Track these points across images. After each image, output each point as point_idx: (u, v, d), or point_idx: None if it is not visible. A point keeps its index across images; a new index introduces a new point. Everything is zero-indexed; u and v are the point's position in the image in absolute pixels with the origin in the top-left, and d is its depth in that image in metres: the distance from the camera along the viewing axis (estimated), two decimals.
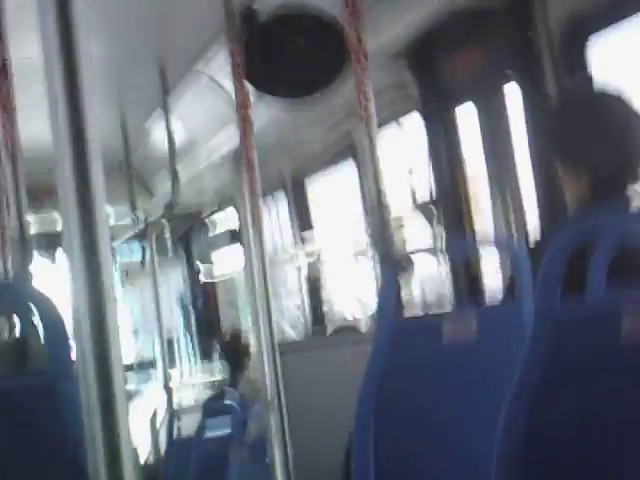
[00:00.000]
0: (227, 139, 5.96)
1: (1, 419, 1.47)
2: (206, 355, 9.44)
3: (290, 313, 7.25)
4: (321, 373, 4.35)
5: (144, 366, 9.88)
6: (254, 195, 4.31)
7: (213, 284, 9.62)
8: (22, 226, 3.41)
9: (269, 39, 4.22)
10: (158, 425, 7.81)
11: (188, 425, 6.21)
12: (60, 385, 1.48)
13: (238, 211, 6.54)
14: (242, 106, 4.22)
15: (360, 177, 5.73)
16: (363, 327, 6.06)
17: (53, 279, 8.13)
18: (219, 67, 5.36)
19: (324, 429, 4.05)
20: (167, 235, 8.46)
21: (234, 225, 8.00)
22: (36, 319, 1.56)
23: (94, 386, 1.18)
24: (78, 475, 1.42)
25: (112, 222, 9.31)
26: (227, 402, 5.58)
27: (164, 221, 8.00)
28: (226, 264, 8.58)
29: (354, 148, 5.57)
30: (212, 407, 5.68)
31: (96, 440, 1.19)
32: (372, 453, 2.40)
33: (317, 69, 4.24)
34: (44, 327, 1.47)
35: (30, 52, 4.82)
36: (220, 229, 8.76)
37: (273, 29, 4.19)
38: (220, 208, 8.41)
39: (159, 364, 9.88)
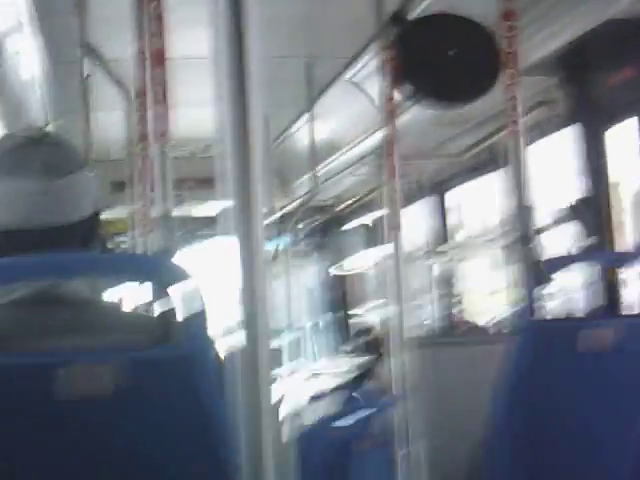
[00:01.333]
0: (370, 144, 6.12)
1: (140, 388, 1.56)
2: (336, 346, 9.59)
3: (421, 311, 7.38)
4: (452, 370, 4.44)
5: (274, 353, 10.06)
6: (394, 198, 4.46)
7: (344, 277, 9.78)
8: (167, 209, 3.58)
9: (420, 45, 4.31)
10: (283, 411, 7.97)
11: (317, 413, 6.33)
12: (197, 358, 1.58)
13: (377, 211, 6.71)
14: (389, 114, 4.38)
15: (505, 186, 5.80)
16: (492, 329, 6.15)
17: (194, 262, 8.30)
18: (367, 74, 5.49)
19: (453, 425, 4.14)
20: (300, 227, 8.65)
21: (368, 221, 8.15)
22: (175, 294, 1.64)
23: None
24: (209, 443, 1.59)
25: None
26: (356, 393, 5.67)
27: (299, 214, 8.19)
28: (359, 259, 8.73)
29: (498, 159, 5.61)
30: (341, 397, 5.74)
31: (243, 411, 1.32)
32: (510, 453, 2.44)
33: (467, 78, 4.31)
34: (185, 302, 1.56)
35: (188, 50, 5.08)
36: (354, 225, 8.91)
37: (424, 35, 4.27)
38: (358, 210, 8.56)
39: (288, 353, 10.11)
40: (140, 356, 1.61)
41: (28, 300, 1.68)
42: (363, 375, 6.48)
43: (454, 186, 6.92)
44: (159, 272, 1.62)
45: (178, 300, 1.59)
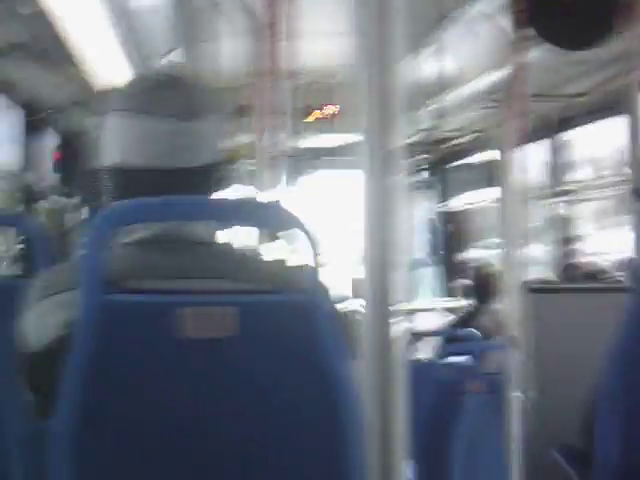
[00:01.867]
0: (497, 80, 6.02)
1: (264, 332, 1.58)
2: (450, 282, 9.59)
3: (539, 253, 7.30)
4: (569, 316, 4.40)
5: None
6: (518, 135, 4.40)
7: (457, 215, 9.73)
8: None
9: None
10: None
11: (426, 349, 6.35)
12: (318, 303, 1.58)
13: (499, 148, 6.62)
14: (519, 50, 4.30)
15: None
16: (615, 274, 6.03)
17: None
18: (499, 7, 5.39)
19: (565, 373, 4.11)
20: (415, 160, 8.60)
21: (487, 158, 8.06)
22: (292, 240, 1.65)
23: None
24: (329, 385, 1.59)
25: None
26: (468, 331, 5.66)
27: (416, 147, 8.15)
28: (472, 197, 8.66)
29: (620, 104, 5.50)
30: (453, 334, 5.74)
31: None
32: (616, 414, 2.35)
33: (599, 22, 4.22)
34: (305, 245, 1.56)
35: None
36: (473, 161, 8.83)
37: None
38: (481, 146, 8.47)
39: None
40: (264, 300, 1.62)
41: (152, 241, 1.70)
42: (471, 314, 6.46)
43: (574, 127, 6.77)
44: (278, 219, 1.62)
45: (297, 247, 1.60)
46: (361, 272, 1.52)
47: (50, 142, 6.43)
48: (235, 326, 1.55)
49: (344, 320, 1.72)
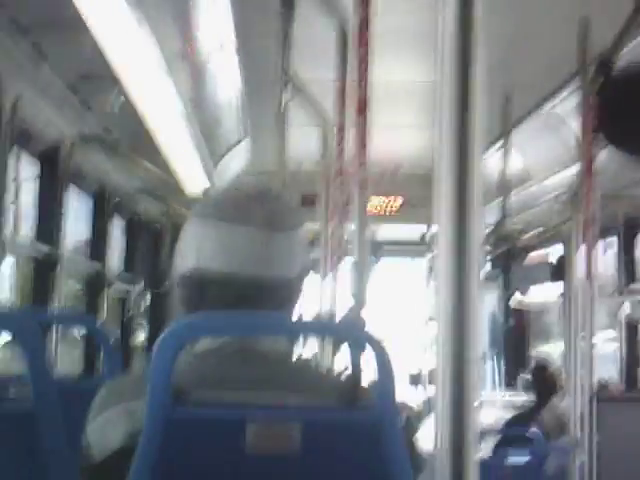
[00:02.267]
0: (564, 179, 6.01)
1: (328, 450, 1.54)
2: (510, 378, 9.46)
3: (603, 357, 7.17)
4: (634, 426, 4.31)
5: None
6: (588, 235, 4.36)
7: (525, 312, 9.64)
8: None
9: (626, 93, 4.21)
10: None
11: (486, 446, 6.25)
12: (386, 422, 1.54)
13: (566, 247, 6.57)
14: (587, 148, 4.29)
15: None
16: None
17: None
18: (568, 109, 5.41)
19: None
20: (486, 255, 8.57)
21: (553, 259, 7.99)
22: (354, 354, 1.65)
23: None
24: None
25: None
26: (530, 431, 5.57)
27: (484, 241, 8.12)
28: (540, 295, 8.58)
29: None
30: (514, 433, 5.64)
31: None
32: None
33: None
34: (377, 364, 1.53)
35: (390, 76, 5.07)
36: (538, 260, 8.76)
37: (631, 84, 4.18)
38: (545, 243, 8.43)
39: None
40: (330, 417, 1.59)
41: (222, 351, 1.68)
42: (532, 410, 6.36)
43: None
44: (353, 337, 1.60)
45: (368, 364, 1.58)
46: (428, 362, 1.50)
47: (117, 230, 6.50)
48: (298, 443, 1.52)
49: (411, 436, 1.70)
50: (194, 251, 1.72)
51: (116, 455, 1.60)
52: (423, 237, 9.75)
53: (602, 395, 4.18)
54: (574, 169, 4.89)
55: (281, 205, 1.77)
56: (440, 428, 1.32)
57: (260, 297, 1.69)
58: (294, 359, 1.74)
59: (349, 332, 1.62)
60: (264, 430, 1.53)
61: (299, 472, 1.55)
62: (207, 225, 1.72)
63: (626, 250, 6.94)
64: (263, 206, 1.73)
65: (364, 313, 2.88)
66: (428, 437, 7.59)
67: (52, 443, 1.61)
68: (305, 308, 1.81)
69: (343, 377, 1.73)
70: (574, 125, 4.80)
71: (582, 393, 4.22)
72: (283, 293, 1.72)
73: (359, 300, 3.13)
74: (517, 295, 10.37)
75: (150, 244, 7.30)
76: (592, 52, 4.21)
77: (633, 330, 6.82)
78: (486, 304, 10.23)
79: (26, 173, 4.36)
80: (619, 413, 4.31)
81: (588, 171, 4.30)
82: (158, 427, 1.52)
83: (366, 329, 1.59)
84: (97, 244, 5.79)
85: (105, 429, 1.64)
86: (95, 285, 5.77)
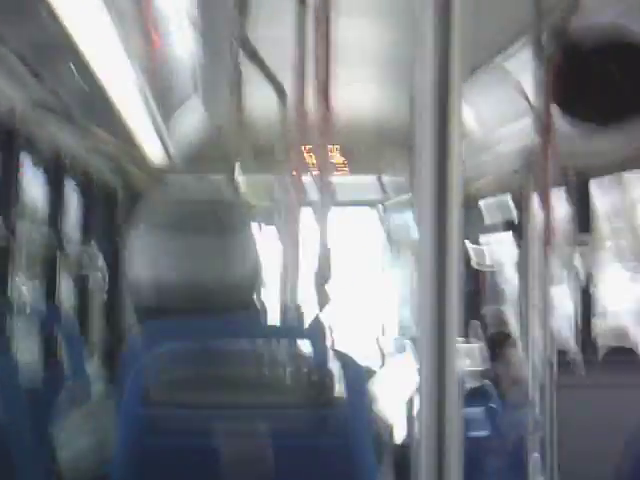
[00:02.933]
0: (519, 134, 6.02)
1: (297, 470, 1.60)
2: (465, 337, 9.52)
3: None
4: (592, 393, 4.34)
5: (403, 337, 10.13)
6: (544, 190, 4.36)
7: (481, 272, 9.65)
8: None
9: (579, 60, 4.19)
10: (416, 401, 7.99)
11: None
12: (357, 448, 1.57)
13: (518, 204, 6.59)
14: (545, 113, 4.29)
15: None
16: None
17: None
18: (520, 65, 5.40)
19: (590, 449, 4.05)
20: None
21: (508, 214, 8.01)
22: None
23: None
24: None
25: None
26: (485, 395, 5.57)
27: None
28: (495, 251, 8.63)
29: None
30: (470, 400, 5.57)
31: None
32: None
33: (629, 101, 4.20)
34: (346, 379, 1.58)
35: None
36: (492, 215, 8.79)
37: (587, 51, 4.17)
38: (497, 192, 8.46)
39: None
40: (302, 443, 1.60)
41: (189, 353, 1.69)
42: (490, 373, 6.36)
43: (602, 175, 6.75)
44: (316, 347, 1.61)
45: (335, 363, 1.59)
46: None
47: (70, 196, 6.44)
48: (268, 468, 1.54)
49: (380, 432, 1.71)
50: (148, 261, 1.73)
51: (81, 462, 1.60)
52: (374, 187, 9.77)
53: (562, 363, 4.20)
54: (526, 122, 4.86)
55: (229, 208, 1.78)
56: (422, 372, 1.25)
57: (220, 301, 1.71)
58: (264, 357, 1.75)
59: (312, 338, 1.62)
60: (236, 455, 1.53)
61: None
62: (160, 235, 1.72)
63: (579, 201, 6.98)
64: (210, 212, 1.74)
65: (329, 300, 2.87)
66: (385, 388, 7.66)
67: (21, 459, 1.61)
68: (267, 268, 1.82)
69: (311, 376, 1.74)
70: (526, 80, 4.78)
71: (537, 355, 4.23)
72: (243, 294, 1.75)
73: (324, 268, 3.11)
74: (468, 245, 10.39)
75: (104, 206, 7.26)
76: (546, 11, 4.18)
77: (587, 281, 6.87)
78: None
79: None
80: (574, 375, 4.36)
81: (545, 130, 4.28)
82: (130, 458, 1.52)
83: (328, 336, 1.60)
84: (51, 212, 5.74)
85: (72, 434, 1.64)
86: (50, 253, 5.72)
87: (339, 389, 1.63)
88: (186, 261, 1.70)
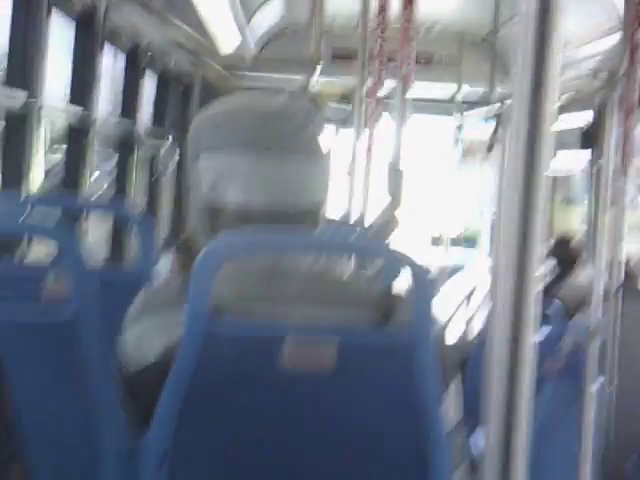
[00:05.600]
0: (603, 48, 5.88)
1: (361, 368, 1.55)
2: None
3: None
4: None
5: (471, 241, 10.09)
6: (627, 109, 4.26)
7: (551, 178, 9.55)
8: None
9: None
10: (475, 303, 7.99)
11: None
12: (420, 345, 1.54)
13: (599, 121, 6.46)
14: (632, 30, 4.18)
15: None
16: None
17: None
18: None
19: None
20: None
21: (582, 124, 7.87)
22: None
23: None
24: (421, 426, 1.57)
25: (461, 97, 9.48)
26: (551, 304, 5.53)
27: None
28: (569, 160, 8.50)
29: None
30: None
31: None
32: None
33: None
34: (415, 284, 1.52)
35: None
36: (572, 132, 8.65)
37: None
38: (577, 108, 8.30)
39: (485, 241, 10.05)
40: (366, 336, 1.61)
41: (261, 268, 1.67)
42: (553, 285, 6.29)
43: None
44: (387, 258, 1.59)
45: (406, 278, 1.57)
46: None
47: (149, 86, 6.44)
48: (333, 360, 1.54)
49: (444, 353, 1.70)
50: (214, 181, 1.68)
51: (152, 368, 1.62)
52: (453, 97, 9.62)
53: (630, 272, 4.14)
54: (614, 39, 4.73)
55: (305, 126, 1.70)
56: (500, 317, 1.25)
57: (292, 219, 1.68)
58: (333, 274, 1.74)
59: (383, 252, 1.60)
60: (300, 346, 1.54)
61: (332, 388, 1.57)
62: (227, 153, 1.67)
63: None
64: (285, 129, 1.67)
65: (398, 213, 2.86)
66: (446, 302, 7.65)
67: (91, 353, 1.63)
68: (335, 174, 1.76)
69: (382, 292, 1.72)
70: None
71: (608, 268, 4.18)
72: (309, 221, 1.71)
73: (395, 199, 3.07)
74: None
75: (181, 99, 7.25)
76: None
77: None
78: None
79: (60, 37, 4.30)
80: None
81: (632, 44, 4.16)
82: (196, 342, 1.53)
83: (399, 248, 1.58)
84: (129, 101, 5.75)
85: (141, 341, 1.65)
86: (126, 144, 5.75)
87: (407, 308, 1.61)
88: (254, 182, 1.66)
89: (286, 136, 1.67)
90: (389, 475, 1.62)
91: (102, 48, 4.61)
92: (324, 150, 1.72)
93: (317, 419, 1.59)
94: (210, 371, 1.55)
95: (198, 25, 5.68)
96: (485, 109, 9.04)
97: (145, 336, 1.65)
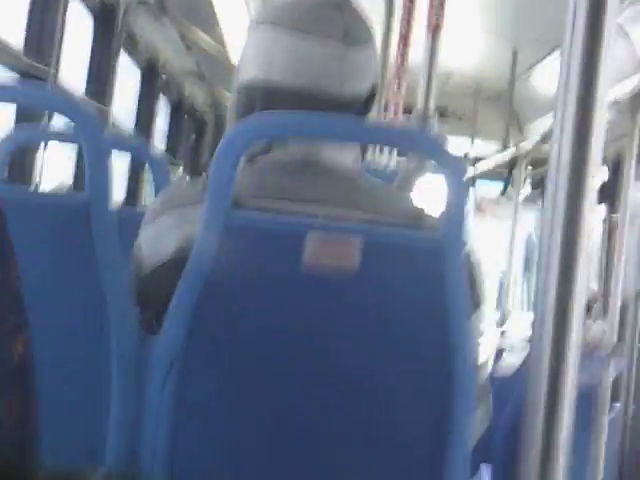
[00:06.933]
0: (625, 91, 5.83)
1: (386, 269, 1.49)
2: None
3: None
4: None
5: None
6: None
7: None
8: None
9: None
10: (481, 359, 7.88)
11: (513, 364, 6.17)
12: (450, 246, 1.48)
13: (614, 170, 6.40)
14: None
15: None
16: None
17: None
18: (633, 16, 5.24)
19: None
20: (529, 173, 8.44)
21: (601, 179, 7.83)
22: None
23: None
24: (447, 331, 1.48)
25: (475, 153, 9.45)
26: None
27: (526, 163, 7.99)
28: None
29: None
30: None
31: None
32: None
33: None
34: (450, 199, 1.47)
35: None
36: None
37: None
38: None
39: (492, 301, 9.95)
40: (392, 236, 1.52)
41: (285, 163, 1.60)
42: None
43: None
44: (427, 147, 1.52)
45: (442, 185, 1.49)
46: None
47: (163, 111, 6.40)
48: (357, 260, 1.45)
49: (475, 267, 1.62)
50: (264, 59, 1.61)
51: (168, 264, 1.53)
52: (466, 155, 9.60)
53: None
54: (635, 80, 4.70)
55: (358, 16, 1.65)
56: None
57: (332, 114, 1.60)
58: (367, 178, 1.66)
59: (425, 143, 1.53)
60: (323, 242, 1.45)
61: (356, 289, 1.48)
62: (279, 32, 1.61)
63: None
64: (341, 17, 1.61)
65: None
66: None
67: (105, 235, 1.54)
68: None
69: (413, 204, 1.64)
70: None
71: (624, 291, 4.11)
72: (355, 111, 1.63)
73: None
74: None
75: (194, 130, 7.22)
76: None
77: None
78: (522, 227, 10.10)
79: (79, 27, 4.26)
80: None
81: None
82: (215, 230, 1.45)
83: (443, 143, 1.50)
84: (143, 121, 5.69)
85: (158, 237, 1.57)
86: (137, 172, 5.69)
87: (437, 221, 1.53)
88: (306, 64, 1.59)
89: (349, 26, 1.62)
90: (411, 384, 1.51)
91: (119, 50, 4.57)
92: (373, 42, 1.67)
93: (340, 324, 1.50)
94: (226, 270, 1.47)
95: (220, 42, 5.62)
96: (497, 164, 9.02)
97: (161, 233, 1.57)
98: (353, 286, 1.47)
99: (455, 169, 1.47)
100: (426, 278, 1.49)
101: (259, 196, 1.54)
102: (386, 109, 4.57)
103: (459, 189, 1.47)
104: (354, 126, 1.57)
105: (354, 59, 1.61)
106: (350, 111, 1.62)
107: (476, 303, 1.61)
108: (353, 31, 1.62)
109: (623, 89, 5.88)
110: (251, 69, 1.63)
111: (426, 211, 1.61)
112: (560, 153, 1.27)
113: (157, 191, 2.17)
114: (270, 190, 1.56)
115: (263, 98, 1.62)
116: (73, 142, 2.33)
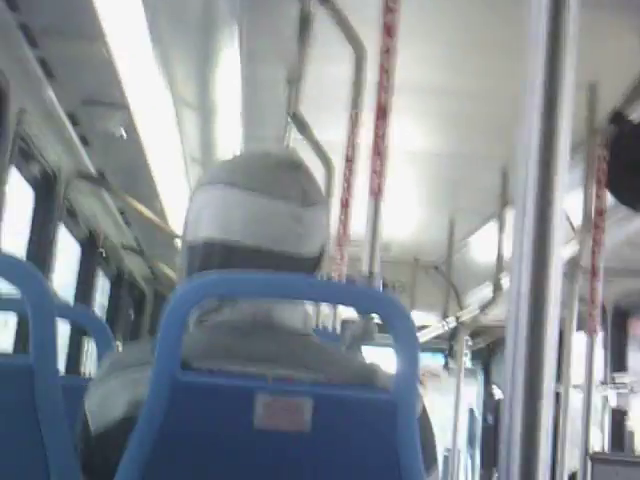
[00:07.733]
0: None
1: (339, 427, 1.47)
2: (486, 472, 9.28)
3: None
4: None
5: None
6: (593, 306, 4.24)
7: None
8: None
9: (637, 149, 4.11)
10: None
11: None
12: (402, 407, 1.47)
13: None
14: (598, 213, 4.23)
15: None
16: None
17: None
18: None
19: None
20: (467, 345, 8.46)
21: None
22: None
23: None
24: None
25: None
26: None
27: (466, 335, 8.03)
28: None
29: None
30: None
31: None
32: None
33: None
34: (400, 353, 1.47)
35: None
36: None
37: None
38: None
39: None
40: (342, 394, 1.50)
41: (235, 323, 1.59)
42: None
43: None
44: (384, 306, 1.52)
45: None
46: None
47: (102, 285, 6.38)
48: (309, 419, 1.44)
49: (427, 428, 1.60)
50: (221, 219, 1.62)
51: (118, 425, 1.49)
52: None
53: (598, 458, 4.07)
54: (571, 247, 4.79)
55: (312, 177, 1.68)
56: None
57: (288, 272, 1.61)
58: (315, 338, 1.65)
59: (378, 302, 1.52)
60: (274, 402, 1.44)
61: (308, 450, 1.46)
62: (234, 193, 1.62)
63: (613, 339, 6.85)
64: (298, 179, 1.64)
65: None
66: None
67: (50, 399, 1.49)
68: None
69: (364, 361, 1.64)
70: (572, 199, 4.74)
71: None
72: (306, 270, 1.64)
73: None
74: (496, 391, 10.22)
75: (133, 303, 7.19)
76: (600, 117, 4.17)
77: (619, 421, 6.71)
78: (464, 400, 10.09)
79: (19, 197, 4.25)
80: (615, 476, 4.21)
81: (596, 237, 4.20)
82: (163, 392, 1.42)
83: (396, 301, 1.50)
84: (82, 293, 5.66)
85: (107, 399, 1.53)
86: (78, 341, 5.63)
87: (388, 379, 1.52)
88: (260, 225, 1.60)
89: (304, 188, 1.65)
90: None
91: (59, 222, 4.56)
92: (325, 203, 1.72)
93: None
94: (176, 432, 1.44)
95: (161, 215, 5.65)
96: (437, 335, 9.05)
97: (110, 395, 1.53)
98: (306, 445, 1.45)
99: (408, 329, 1.47)
100: (379, 437, 1.48)
101: (209, 357, 1.52)
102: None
103: (412, 348, 1.47)
104: (319, 285, 1.59)
105: (310, 219, 1.63)
106: (305, 270, 1.63)
107: (428, 464, 1.58)
108: (309, 192, 1.65)
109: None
110: (206, 228, 1.63)
111: (379, 369, 1.60)
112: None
113: (99, 359, 2.13)
114: (220, 350, 1.55)
115: (221, 257, 1.62)
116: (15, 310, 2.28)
